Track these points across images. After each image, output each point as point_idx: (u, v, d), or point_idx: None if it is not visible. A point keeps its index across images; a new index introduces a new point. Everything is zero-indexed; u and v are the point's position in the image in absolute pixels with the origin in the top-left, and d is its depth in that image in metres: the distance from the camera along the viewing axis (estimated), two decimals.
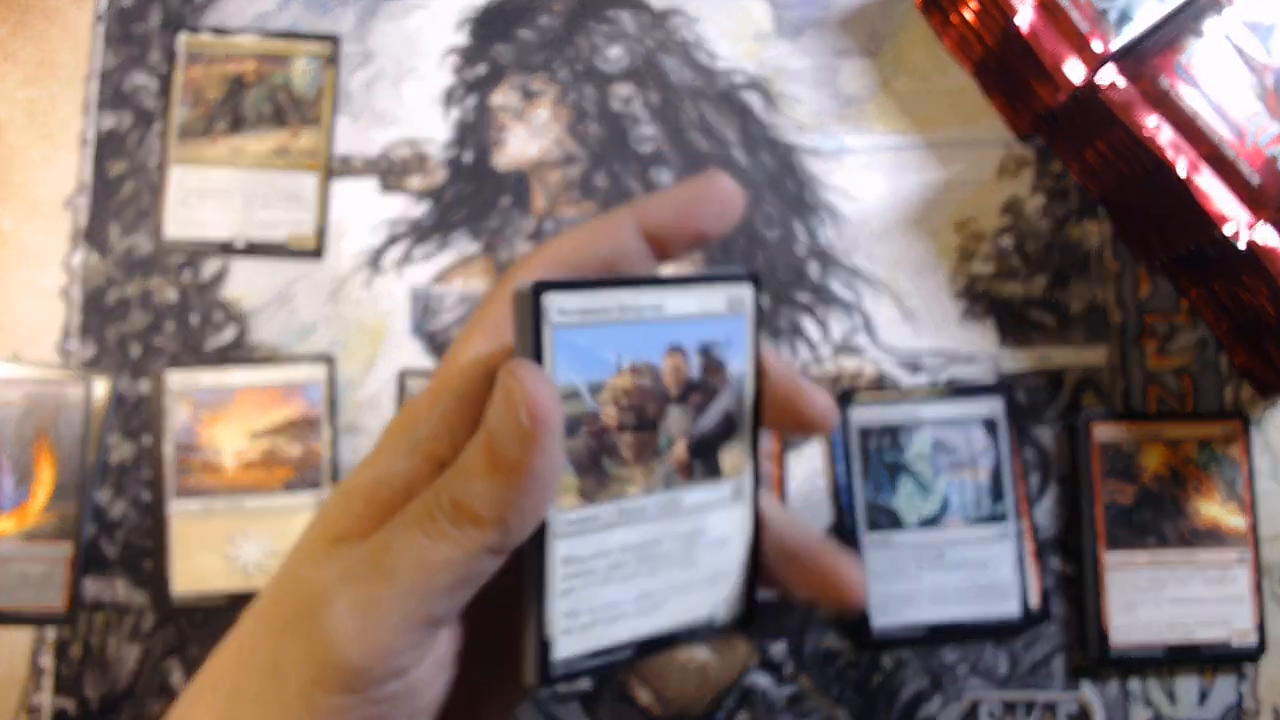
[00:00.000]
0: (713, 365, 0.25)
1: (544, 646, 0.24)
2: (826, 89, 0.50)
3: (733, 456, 0.26)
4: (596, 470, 0.24)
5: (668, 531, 0.25)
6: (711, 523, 0.26)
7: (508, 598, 0.25)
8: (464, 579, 0.22)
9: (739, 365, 0.25)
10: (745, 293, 0.25)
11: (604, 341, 0.23)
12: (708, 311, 0.25)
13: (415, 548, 0.22)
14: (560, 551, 0.23)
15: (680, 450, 0.25)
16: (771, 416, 0.26)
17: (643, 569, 0.25)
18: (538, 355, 0.22)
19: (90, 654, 0.44)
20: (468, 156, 0.49)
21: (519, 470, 0.22)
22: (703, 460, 0.25)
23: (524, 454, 0.21)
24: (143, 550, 0.45)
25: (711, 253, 0.48)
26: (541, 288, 0.22)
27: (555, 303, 0.22)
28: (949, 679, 0.45)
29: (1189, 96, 0.43)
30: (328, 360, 0.47)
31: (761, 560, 0.26)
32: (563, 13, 0.51)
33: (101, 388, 0.46)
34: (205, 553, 0.45)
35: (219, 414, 0.46)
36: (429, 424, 0.23)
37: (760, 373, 0.25)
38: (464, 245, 0.48)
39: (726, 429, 0.25)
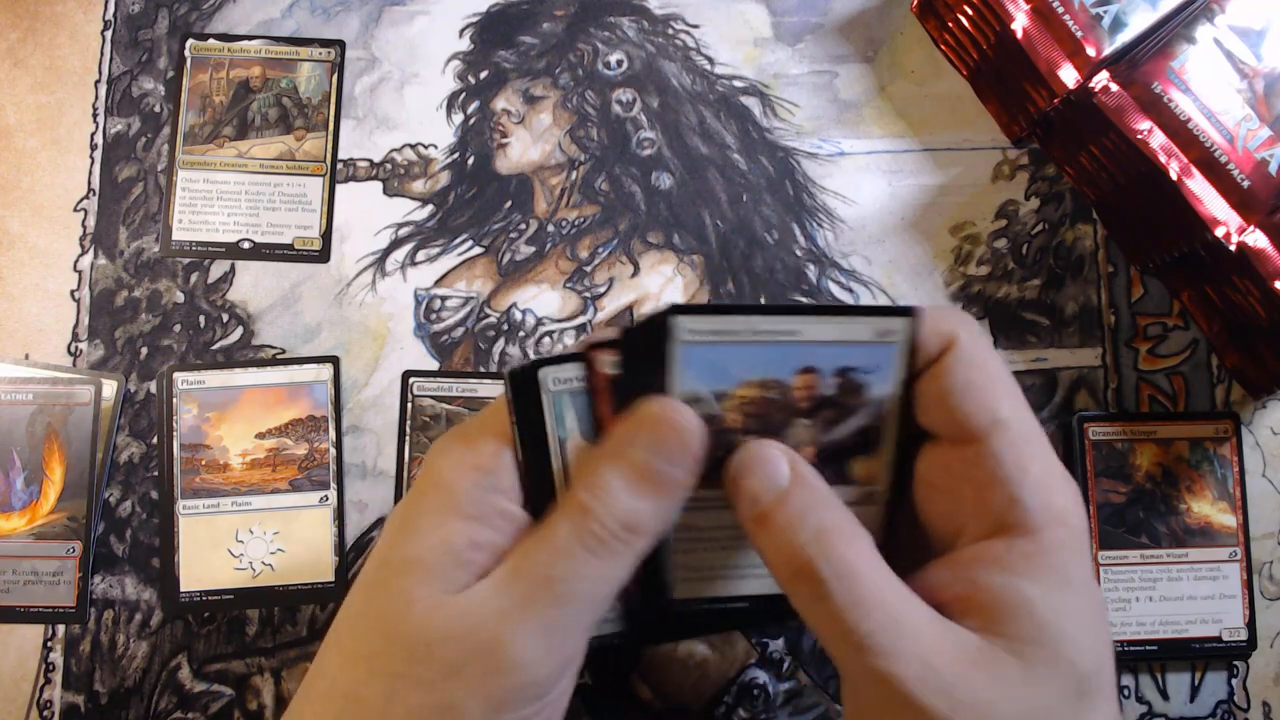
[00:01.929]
0: (850, 386, 0.26)
1: (664, 588, 0.27)
2: (824, 94, 0.51)
3: (866, 467, 0.27)
4: (713, 467, 0.26)
5: None
6: None
7: None
8: (623, 582, 0.26)
9: (883, 390, 0.26)
10: (897, 325, 0.26)
11: (733, 359, 0.25)
12: (851, 339, 0.26)
13: (589, 570, 0.25)
14: (681, 520, 0.27)
15: (806, 455, 0.27)
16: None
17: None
18: (662, 372, 0.25)
19: (99, 650, 0.45)
20: (470, 160, 0.50)
21: (681, 487, 0.26)
22: (831, 467, 0.27)
23: (688, 474, 0.26)
24: (151, 548, 0.46)
25: (709, 255, 0.49)
26: (673, 311, 0.25)
27: (684, 324, 0.25)
28: None
29: (1181, 101, 0.44)
30: (333, 361, 0.47)
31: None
32: (564, 19, 0.51)
33: (110, 388, 0.47)
34: (212, 551, 0.46)
35: (226, 414, 0.47)
36: (500, 491, 0.27)
37: (911, 398, 0.27)
38: (467, 248, 0.49)
39: (861, 443, 0.27)
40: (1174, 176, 0.43)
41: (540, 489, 0.27)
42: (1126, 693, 0.46)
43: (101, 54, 0.51)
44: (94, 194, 0.49)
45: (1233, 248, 0.43)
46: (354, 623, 0.26)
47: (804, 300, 0.48)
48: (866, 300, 0.48)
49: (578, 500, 0.26)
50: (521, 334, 0.48)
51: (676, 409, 0.25)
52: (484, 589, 0.25)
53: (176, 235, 0.49)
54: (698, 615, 0.28)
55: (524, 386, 0.26)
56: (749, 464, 0.26)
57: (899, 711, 0.23)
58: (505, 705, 0.24)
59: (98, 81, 0.50)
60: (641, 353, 0.25)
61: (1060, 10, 0.45)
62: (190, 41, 0.50)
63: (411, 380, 0.48)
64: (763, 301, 0.48)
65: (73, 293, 0.48)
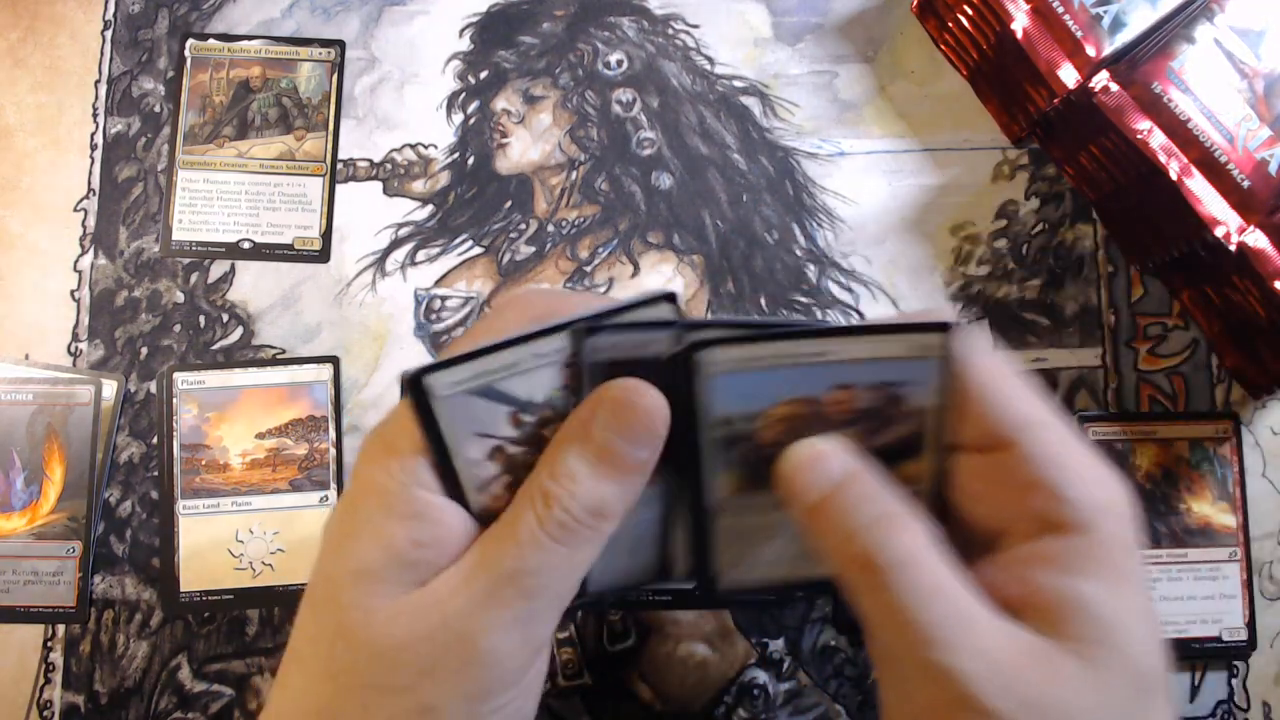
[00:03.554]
0: (890, 399, 0.26)
1: (713, 577, 0.28)
2: (824, 94, 0.51)
3: (911, 469, 0.27)
4: (755, 473, 0.27)
5: None
6: None
7: None
8: (590, 565, 0.26)
9: (922, 401, 0.26)
10: (934, 340, 0.26)
11: (764, 383, 0.25)
12: (886, 355, 0.26)
13: (559, 559, 0.25)
14: (725, 522, 0.27)
15: None
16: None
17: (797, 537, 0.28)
18: (691, 402, 0.25)
19: (99, 650, 0.45)
20: (470, 160, 0.50)
21: (644, 469, 0.26)
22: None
23: (653, 455, 0.25)
24: (151, 548, 0.46)
25: (709, 255, 0.49)
26: (697, 347, 0.25)
27: (710, 357, 0.25)
28: None
29: (1180, 101, 0.44)
30: (333, 361, 0.47)
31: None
32: (564, 19, 0.51)
33: (110, 388, 0.47)
34: (212, 551, 0.46)
35: (226, 414, 0.47)
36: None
37: (952, 406, 0.26)
38: (467, 248, 0.49)
39: (902, 450, 0.27)
40: (1174, 176, 0.43)
41: (453, 490, 0.26)
42: None
43: (101, 54, 0.51)
44: (94, 194, 0.49)
45: (1233, 248, 0.43)
46: (313, 642, 0.26)
47: (804, 300, 0.48)
48: (866, 300, 0.48)
49: (542, 487, 0.25)
50: None
51: (639, 389, 0.25)
52: (447, 584, 0.25)
53: (176, 235, 0.49)
54: (749, 594, 0.29)
55: (414, 393, 0.25)
56: (805, 457, 0.25)
57: (958, 709, 0.22)
58: (483, 698, 0.24)
59: (98, 81, 0.50)
60: (667, 385, 0.25)
61: (1060, 10, 0.45)
62: (190, 41, 0.50)
63: None
64: (762, 302, 0.48)
65: (73, 293, 0.48)
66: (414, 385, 0.25)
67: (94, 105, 0.50)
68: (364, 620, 0.25)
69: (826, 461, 0.25)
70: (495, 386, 0.26)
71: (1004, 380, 0.26)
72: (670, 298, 0.27)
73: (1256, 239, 0.43)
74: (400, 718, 0.24)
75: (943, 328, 0.26)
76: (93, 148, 0.50)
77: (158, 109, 0.50)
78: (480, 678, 0.24)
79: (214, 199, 0.49)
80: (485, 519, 0.26)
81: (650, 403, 0.25)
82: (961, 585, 0.23)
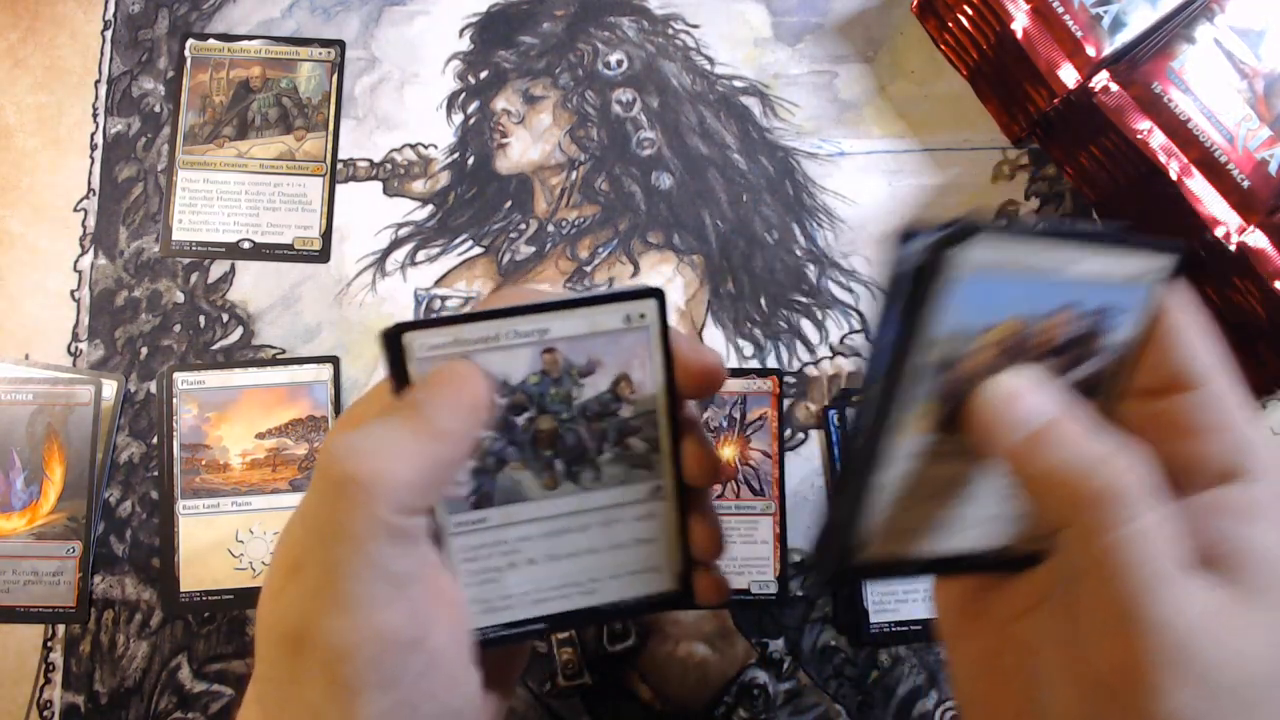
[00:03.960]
0: (1089, 333, 0.25)
1: (845, 553, 0.25)
2: (824, 94, 0.51)
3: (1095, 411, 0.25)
4: (947, 410, 0.24)
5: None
6: None
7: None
8: (397, 538, 0.24)
9: (1117, 335, 0.25)
10: (1158, 264, 0.24)
11: (999, 294, 0.23)
12: (1114, 275, 0.24)
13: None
14: (887, 475, 0.24)
15: None
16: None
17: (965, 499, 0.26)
18: (912, 314, 0.22)
19: (99, 650, 0.45)
20: (470, 160, 0.50)
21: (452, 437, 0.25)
22: None
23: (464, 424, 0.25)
24: (151, 548, 0.46)
25: (709, 255, 0.49)
26: (953, 240, 0.22)
27: (965, 255, 0.22)
28: (945, 675, 0.45)
29: (1181, 101, 0.44)
30: (333, 361, 0.47)
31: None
32: (564, 19, 0.51)
33: (110, 388, 0.47)
34: (212, 551, 0.46)
35: (226, 414, 0.47)
36: None
37: (1144, 342, 0.25)
38: (467, 248, 0.49)
39: (1087, 390, 0.25)
40: (1174, 176, 0.43)
41: None
42: None
43: (101, 54, 0.51)
44: (94, 194, 0.49)
45: (1233, 248, 0.43)
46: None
47: (804, 300, 0.49)
48: (867, 302, 0.48)
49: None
50: None
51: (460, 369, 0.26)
52: (297, 579, 0.25)
53: (176, 235, 0.49)
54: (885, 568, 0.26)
55: (390, 348, 0.25)
56: (1014, 387, 0.24)
57: (1157, 666, 0.21)
58: (355, 691, 0.23)
59: (98, 81, 0.50)
60: (900, 290, 0.22)
61: (1060, 10, 0.45)
62: (190, 41, 0.50)
63: None
64: (762, 302, 0.48)
65: (73, 293, 0.48)
66: (392, 341, 0.25)
67: (94, 105, 0.50)
68: (262, 610, 0.25)
69: (1039, 394, 0.23)
70: (472, 358, 0.26)
71: (1196, 320, 0.25)
72: (658, 294, 0.27)
73: (1256, 239, 0.43)
74: (303, 716, 0.24)
75: (1175, 249, 0.24)
76: (93, 148, 0.50)
77: (158, 109, 0.50)
78: (336, 671, 0.23)
79: (214, 199, 0.49)
80: None
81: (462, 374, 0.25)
82: (1174, 532, 0.22)
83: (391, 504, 0.23)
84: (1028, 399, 0.24)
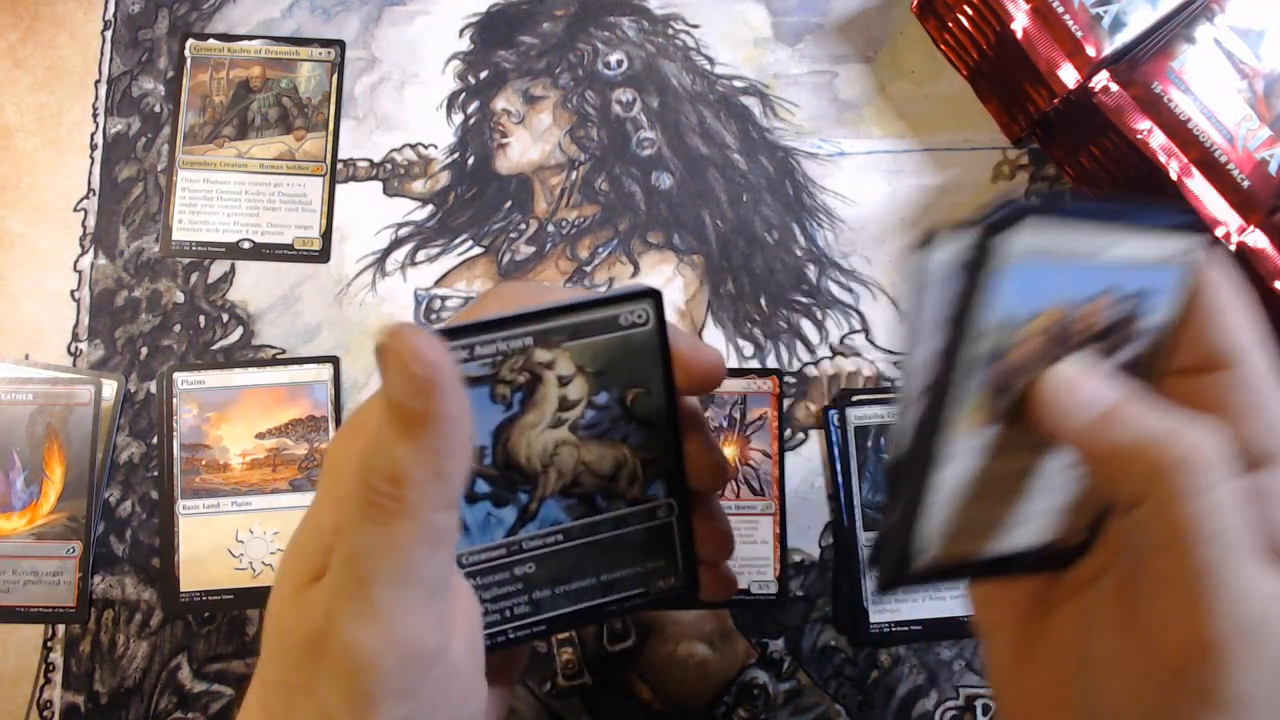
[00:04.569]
0: (1127, 317, 0.24)
1: (905, 558, 0.24)
2: (824, 94, 0.51)
3: None
4: (1000, 403, 0.24)
5: (1058, 462, 0.25)
6: None
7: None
8: (432, 541, 0.22)
9: (1154, 319, 0.24)
10: (1186, 244, 0.24)
11: (1044, 281, 0.23)
12: (1149, 257, 0.24)
13: (375, 540, 0.22)
14: (948, 473, 0.23)
15: None
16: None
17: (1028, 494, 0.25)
18: (963, 304, 0.22)
19: (99, 650, 0.45)
20: (470, 160, 0.50)
21: (429, 419, 0.21)
22: None
23: (428, 403, 0.21)
24: (151, 548, 0.46)
25: (709, 255, 0.49)
26: (1001, 225, 0.21)
27: (1016, 241, 0.21)
28: (945, 675, 0.46)
29: (1181, 101, 0.44)
30: (333, 361, 0.47)
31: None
32: (564, 19, 0.51)
33: (110, 388, 0.47)
34: (212, 551, 0.46)
35: (226, 414, 0.47)
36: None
37: (1180, 323, 0.25)
38: (467, 248, 0.49)
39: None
40: (1174, 176, 0.43)
41: None
42: None
43: (101, 54, 0.51)
44: (94, 194, 0.49)
45: (1233, 248, 0.43)
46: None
47: (804, 300, 0.49)
48: (867, 302, 0.48)
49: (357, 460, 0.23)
50: None
51: (399, 330, 0.21)
52: (319, 584, 0.23)
53: (176, 235, 0.49)
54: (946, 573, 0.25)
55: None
56: (1075, 373, 0.23)
57: (1243, 640, 0.20)
58: (371, 701, 0.22)
59: (98, 81, 0.50)
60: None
61: (1060, 10, 0.45)
62: (190, 41, 0.50)
63: None
64: (762, 302, 0.48)
65: (73, 293, 0.48)
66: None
67: (94, 105, 0.50)
68: (276, 614, 0.24)
69: (1100, 379, 0.23)
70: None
71: (1235, 297, 0.24)
72: (654, 294, 0.27)
73: (1256, 239, 0.43)
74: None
75: (1201, 226, 0.24)
76: (93, 148, 0.50)
77: (158, 109, 0.50)
78: (357, 680, 0.22)
79: (214, 199, 0.49)
80: None
81: (408, 343, 0.21)
82: (1251, 506, 0.22)
83: (438, 501, 0.22)
84: (1094, 382, 0.23)
